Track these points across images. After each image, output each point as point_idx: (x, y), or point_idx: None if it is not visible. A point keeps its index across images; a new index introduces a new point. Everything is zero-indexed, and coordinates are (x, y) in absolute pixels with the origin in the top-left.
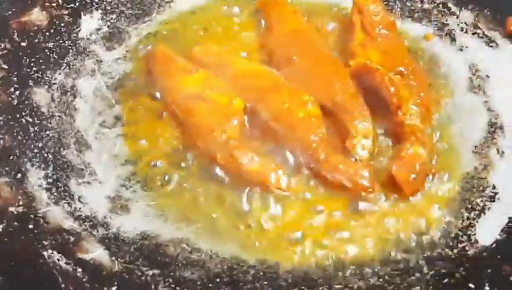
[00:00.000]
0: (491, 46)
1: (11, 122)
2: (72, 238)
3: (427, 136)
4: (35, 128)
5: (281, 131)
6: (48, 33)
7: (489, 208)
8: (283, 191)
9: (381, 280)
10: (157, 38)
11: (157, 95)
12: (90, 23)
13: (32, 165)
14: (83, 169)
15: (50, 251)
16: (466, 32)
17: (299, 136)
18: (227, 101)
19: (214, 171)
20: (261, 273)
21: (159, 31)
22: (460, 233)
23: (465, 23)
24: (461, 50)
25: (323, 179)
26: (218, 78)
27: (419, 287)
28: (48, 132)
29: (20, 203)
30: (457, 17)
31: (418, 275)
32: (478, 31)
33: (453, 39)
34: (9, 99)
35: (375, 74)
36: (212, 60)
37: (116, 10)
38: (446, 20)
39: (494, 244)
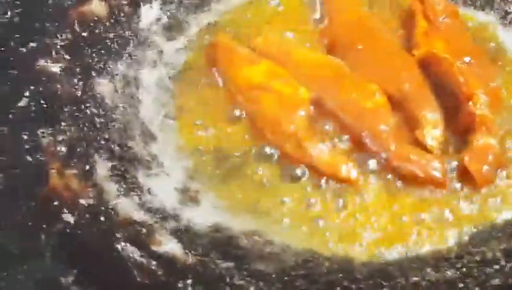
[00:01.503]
0: None
1: (77, 114)
2: (144, 231)
3: (497, 127)
4: (101, 120)
5: (349, 122)
6: (108, 23)
7: None
8: (353, 182)
9: (458, 272)
10: (217, 28)
11: (221, 85)
12: (149, 14)
13: (100, 157)
14: (149, 161)
15: (123, 244)
16: None
17: (368, 127)
18: (293, 91)
19: (283, 162)
20: (336, 266)
21: (218, 21)
22: None
23: None
24: None
25: (394, 170)
26: (282, 69)
27: (498, 279)
28: (113, 123)
29: (90, 195)
30: None
31: (496, 267)
32: None
33: None
34: (73, 90)
35: (443, 63)
36: (274, 50)
37: (175, 0)
38: (509, 8)
39: None
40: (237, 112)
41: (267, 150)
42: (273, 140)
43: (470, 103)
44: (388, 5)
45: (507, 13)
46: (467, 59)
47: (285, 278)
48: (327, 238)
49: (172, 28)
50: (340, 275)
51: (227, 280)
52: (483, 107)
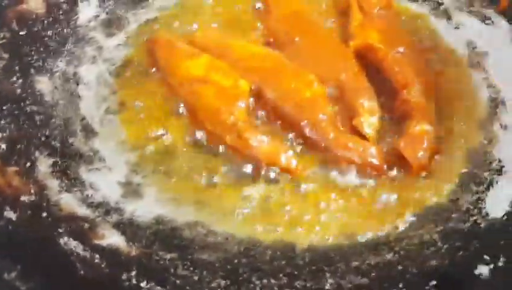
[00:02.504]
0: (487, 24)
1: (16, 112)
2: (86, 225)
3: (431, 113)
4: (41, 117)
5: (289, 111)
6: (46, 21)
7: (497, 181)
8: (293, 171)
9: (397, 255)
10: (156, 24)
11: (161, 80)
12: (88, 10)
13: (41, 154)
14: (91, 156)
15: (66, 238)
16: (461, 10)
17: (307, 116)
18: (233, 83)
19: (224, 154)
20: (278, 253)
21: (157, 16)
22: (471, 207)
23: (460, 2)
24: (458, 28)
25: (333, 158)
26: (221, 62)
27: (435, 261)
28: (53, 120)
29: (32, 191)
30: None
31: (432, 249)
32: (473, 9)
33: (449, 17)
34: (12, 88)
35: (378, 53)
36: (214, 44)
37: None
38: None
39: (505, 217)
40: (178, 106)
41: (205, 141)
42: (214, 131)
43: (405, 91)
44: None
45: (439, 4)
46: (401, 49)
47: (229, 266)
48: (269, 226)
49: (111, 24)
50: (283, 261)
51: (171, 270)
52: (417, 94)
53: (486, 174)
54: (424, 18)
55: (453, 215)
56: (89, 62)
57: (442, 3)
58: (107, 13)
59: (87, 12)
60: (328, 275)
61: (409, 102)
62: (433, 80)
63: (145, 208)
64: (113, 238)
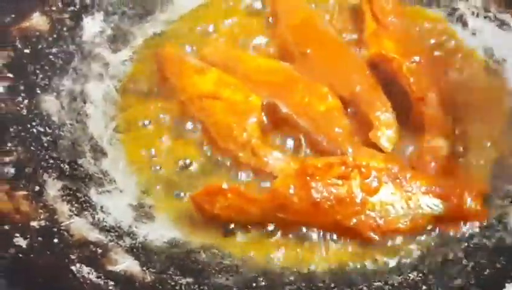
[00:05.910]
0: (504, 29)
1: (23, 133)
2: (99, 250)
3: (449, 125)
4: (48, 138)
5: (303, 126)
6: (50, 38)
7: None
8: None
9: (421, 274)
10: (162, 38)
11: (170, 95)
12: (93, 26)
13: (49, 177)
14: (101, 177)
15: (78, 265)
16: (477, 16)
17: (323, 130)
18: (244, 98)
19: (238, 172)
20: (298, 275)
21: (164, 30)
22: (495, 222)
23: (476, 7)
24: (474, 34)
25: None
26: (231, 76)
27: (460, 280)
28: (61, 141)
29: (42, 217)
30: (467, 1)
31: (458, 267)
32: (489, 14)
33: (465, 24)
34: (18, 108)
35: (392, 63)
36: (222, 58)
37: (118, 11)
38: (456, 5)
39: None
40: (188, 123)
41: (220, 160)
42: (227, 148)
43: (420, 103)
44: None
45: (454, 10)
46: (416, 58)
47: None
48: (287, 249)
49: (117, 40)
50: (303, 284)
51: None
52: (433, 106)
53: (510, 187)
54: (441, 24)
55: (477, 231)
56: (95, 79)
57: (457, 9)
58: (112, 28)
59: (92, 28)
60: None
61: (423, 114)
62: (451, 90)
63: (159, 231)
64: (126, 264)
